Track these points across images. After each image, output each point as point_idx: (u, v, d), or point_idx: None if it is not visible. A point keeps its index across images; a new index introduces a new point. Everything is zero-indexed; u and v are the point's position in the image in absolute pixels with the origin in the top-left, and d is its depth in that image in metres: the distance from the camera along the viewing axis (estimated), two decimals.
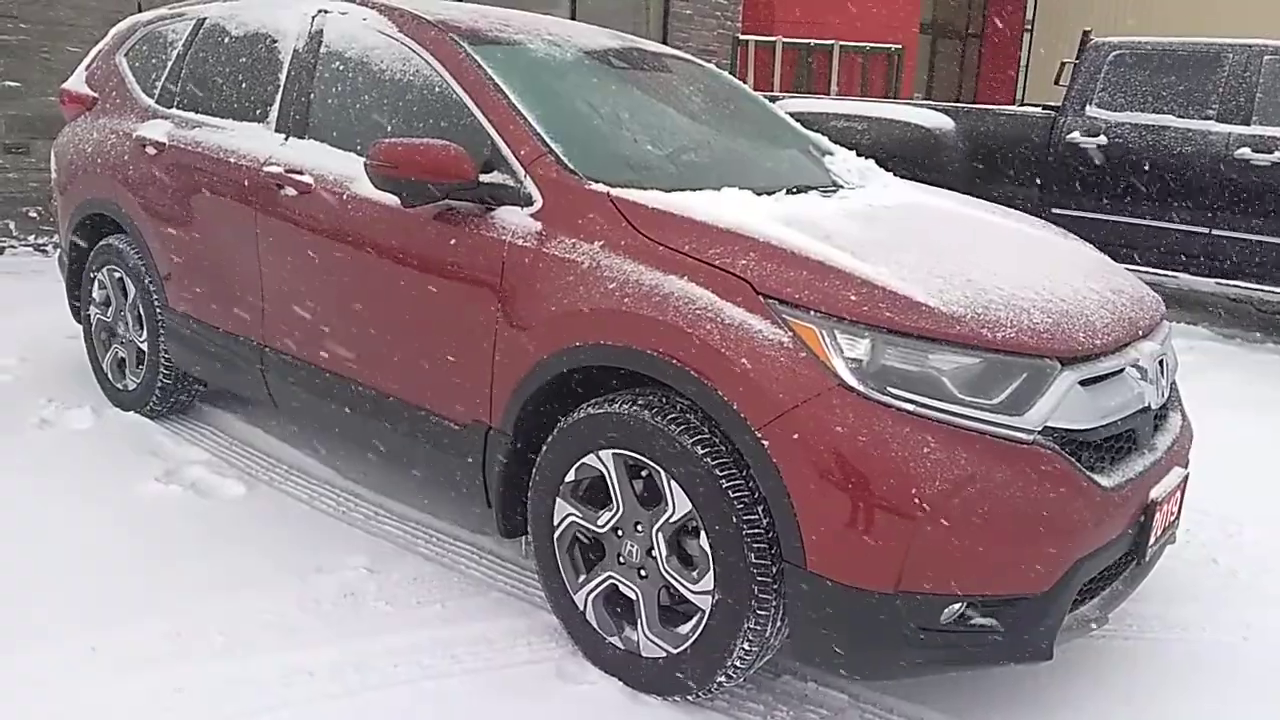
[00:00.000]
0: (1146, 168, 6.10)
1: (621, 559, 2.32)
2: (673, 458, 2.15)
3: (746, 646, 2.12)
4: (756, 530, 2.06)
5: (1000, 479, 1.96)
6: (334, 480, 3.36)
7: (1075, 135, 6.36)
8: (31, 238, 6.56)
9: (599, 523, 2.34)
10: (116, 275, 3.84)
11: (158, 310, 3.62)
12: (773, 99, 7.62)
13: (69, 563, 2.74)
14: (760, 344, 2.05)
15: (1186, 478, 2.46)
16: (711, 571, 2.13)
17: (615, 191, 2.41)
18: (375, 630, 2.50)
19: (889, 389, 1.99)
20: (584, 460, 2.33)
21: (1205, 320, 6.27)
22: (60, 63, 6.26)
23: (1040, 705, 2.35)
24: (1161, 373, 2.36)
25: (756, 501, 2.07)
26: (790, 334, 2.04)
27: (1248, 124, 5.83)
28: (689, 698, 2.26)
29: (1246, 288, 5.87)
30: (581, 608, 2.40)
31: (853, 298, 2.05)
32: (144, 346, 3.74)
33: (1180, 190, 6.00)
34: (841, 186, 3.02)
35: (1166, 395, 2.44)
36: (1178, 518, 2.48)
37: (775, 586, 2.07)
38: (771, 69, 11.38)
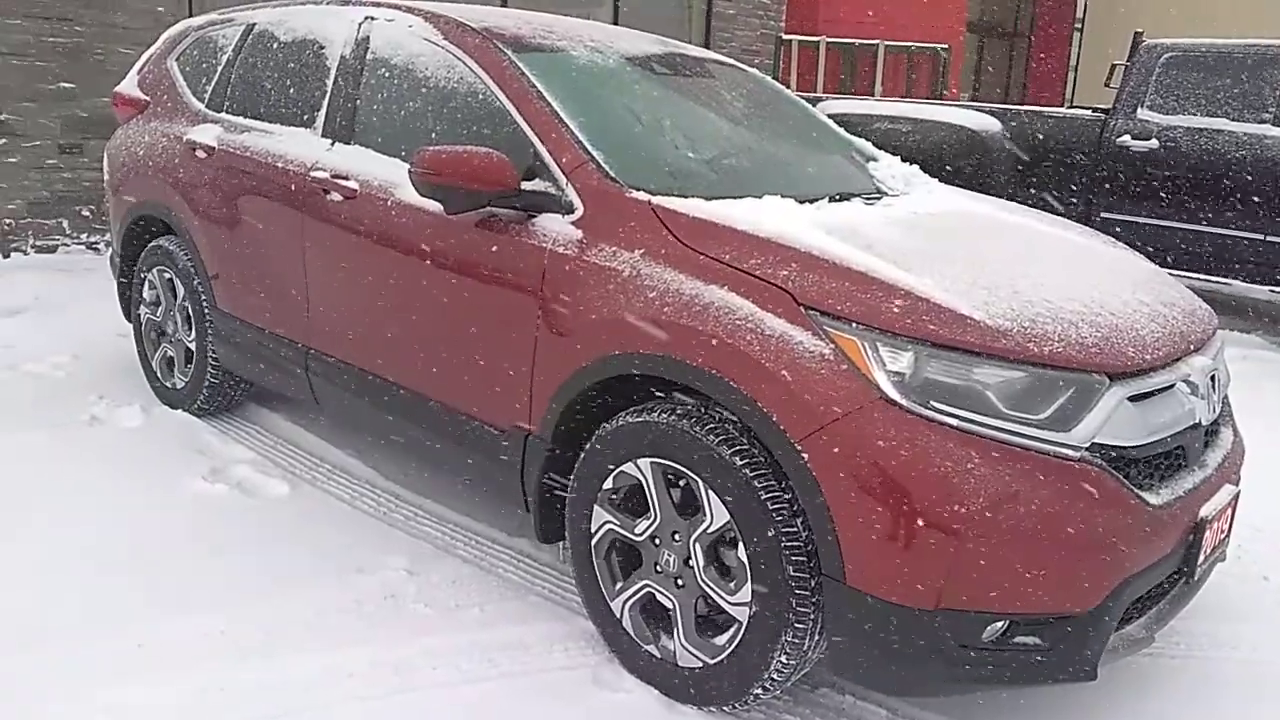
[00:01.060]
0: (1199, 172, 5.96)
1: (659, 568, 2.32)
2: (711, 468, 2.14)
3: (784, 659, 2.11)
4: (795, 543, 2.05)
5: (1045, 496, 1.93)
6: (375, 481, 3.40)
7: (1126, 138, 6.24)
8: (84, 236, 6.72)
9: (636, 531, 2.34)
10: (166, 276, 3.91)
11: (206, 311, 3.69)
12: (814, 100, 7.57)
13: (116, 559, 2.80)
14: (801, 355, 2.03)
15: (1238, 495, 2.41)
16: (749, 583, 2.13)
17: (656, 200, 2.40)
18: (414, 632, 2.52)
19: (932, 403, 1.96)
20: (622, 468, 2.33)
21: (1259, 329, 6.12)
22: (114, 64, 6.40)
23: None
24: (1213, 388, 2.31)
25: (795, 514, 2.06)
26: (832, 346, 2.03)
27: None
28: (725, 708, 2.25)
29: None
30: (618, 615, 2.40)
31: (896, 309, 2.03)
32: (192, 346, 3.81)
33: (1234, 195, 5.85)
34: (885, 193, 2.99)
35: (1218, 411, 2.38)
36: (1228, 535, 2.42)
37: (813, 600, 2.06)
38: (815, 69, 11.30)
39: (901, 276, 2.10)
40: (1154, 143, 6.14)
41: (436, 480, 3.31)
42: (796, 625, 2.07)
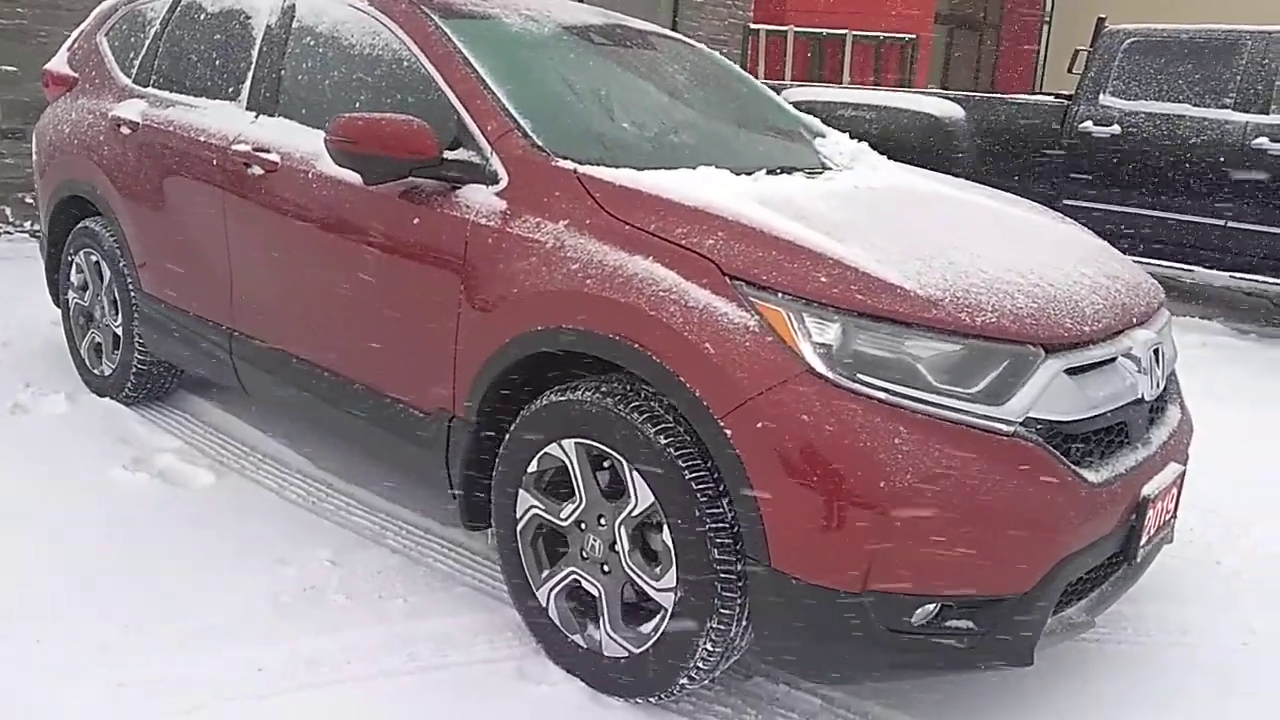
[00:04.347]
0: (1161, 158, 5.93)
1: (585, 554, 2.22)
2: (635, 447, 2.04)
3: (709, 648, 2.01)
4: (720, 525, 1.95)
5: (977, 472, 1.84)
6: (307, 469, 3.27)
7: (1088, 125, 6.20)
8: (28, 224, 6.52)
9: (562, 515, 2.23)
10: (93, 259, 3.76)
11: (132, 294, 3.55)
12: (780, 88, 7.49)
13: (25, 551, 2.66)
14: (725, 327, 1.94)
15: (1184, 474, 2.33)
16: (674, 568, 2.03)
17: (582, 169, 2.30)
18: (333, 626, 2.40)
19: (860, 376, 1.87)
20: (547, 450, 2.23)
21: (1220, 315, 6.09)
22: (57, 47, 6.20)
23: (1023, 712, 2.23)
24: (1157, 363, 2.23)
25: (721, 494, 1.96)
26: (757, 317, 1.93)
27: (1266, 112, 5.65)
28: (651, 700, 2.15)
29: (1262, 281, 5.69)
30: (544, 604, 2.30)
31: (823, 279, 1.93)
32: (119, 331, 3.66)
33: (1195, 181, 5.82)
34: (829, 169, 2.90)
35: (1163, 387, 2.30)
36: (1174, 516, 2.35)
37: (740, 585, 1.96)
38: (783, 59, 11.21)
39: (831, 246, 2.00)
40: (1116, 129, 6.10)
41: (368, 467, 3.19)
42: (722, 612, 1.98)
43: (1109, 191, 6.14)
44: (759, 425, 1.87)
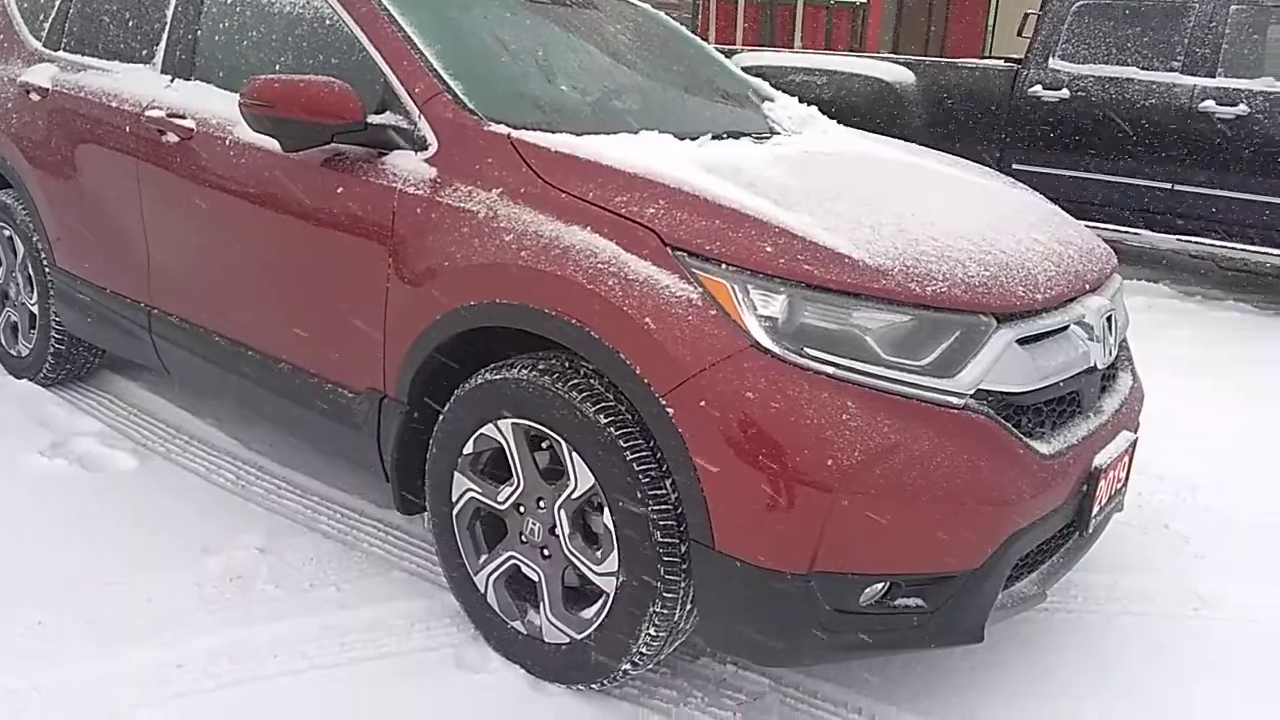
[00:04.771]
0: (1109, 122, 5.91)
1: (524, 538, 2.12)
2: (574, 427, 1.94)
3: (652, 632, 1.93)
4: (663, 506, 1.87)
5: (927, 447, 1.78)
6: (236, 452, 3.13)
7: (1037, 89, 6.16)
8: None
9: (499, 499, 2.14)
10: (6, 234, 3.55)
11: (47, 270, 3.35)
12: (730, 53, 7.36)
13: None
14: (667, 301, 1.84)
15: (1135, 442, 2.29)
16: (615, 551, 1.94)
17: (517, 134, 2.17)
18: (260, 617, 2.29)
19: (806, 350, 1.78)
20: (482, 431, 2.12)
21: (1167, 278, 6.14)
22: None
23: (974, 687, 2.19)
24: (1110, 330, 2.18)
25: (664, 475, 1.87)
26: (700, 290, 1.83)
27: (1213, 76, 5.65)
28: (593, 686, 2.07)
29: (1208, 244, 5.73)
30: (483, 590, 2.20)
31: (768, 249, 1.84)
32: (35, 310, 3.47)
33: (1143, 145, 5.82)
34: (778, 134, 2.80)
35: (1115, 354, 2.25)
36: (1125, 484, 2.32)
37: (683, 568, 1.88)
38: (734, 23, 11.06)
39: (777, 214, 1.91)
40: (1065, 92, 6.06)
41: (301, 449, 3.05)
42: (665, 595, 1.90)
43: (1057, 155, 6.11)
44: (701, 403, 1.78)
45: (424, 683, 2.10)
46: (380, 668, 2.14)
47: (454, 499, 2.21)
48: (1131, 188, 5.88)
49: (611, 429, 1.89)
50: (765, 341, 1.78)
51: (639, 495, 1.87)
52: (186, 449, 3.14)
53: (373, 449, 2.38)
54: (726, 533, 1.80)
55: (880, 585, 1.83)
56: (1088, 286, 2.13)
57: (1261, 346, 4.79)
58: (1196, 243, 5.76)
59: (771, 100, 3.14)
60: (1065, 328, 2.03)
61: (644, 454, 1.88)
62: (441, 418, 2.19)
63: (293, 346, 2.53)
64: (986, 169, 2.85)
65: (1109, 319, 2.17)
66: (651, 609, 1.91)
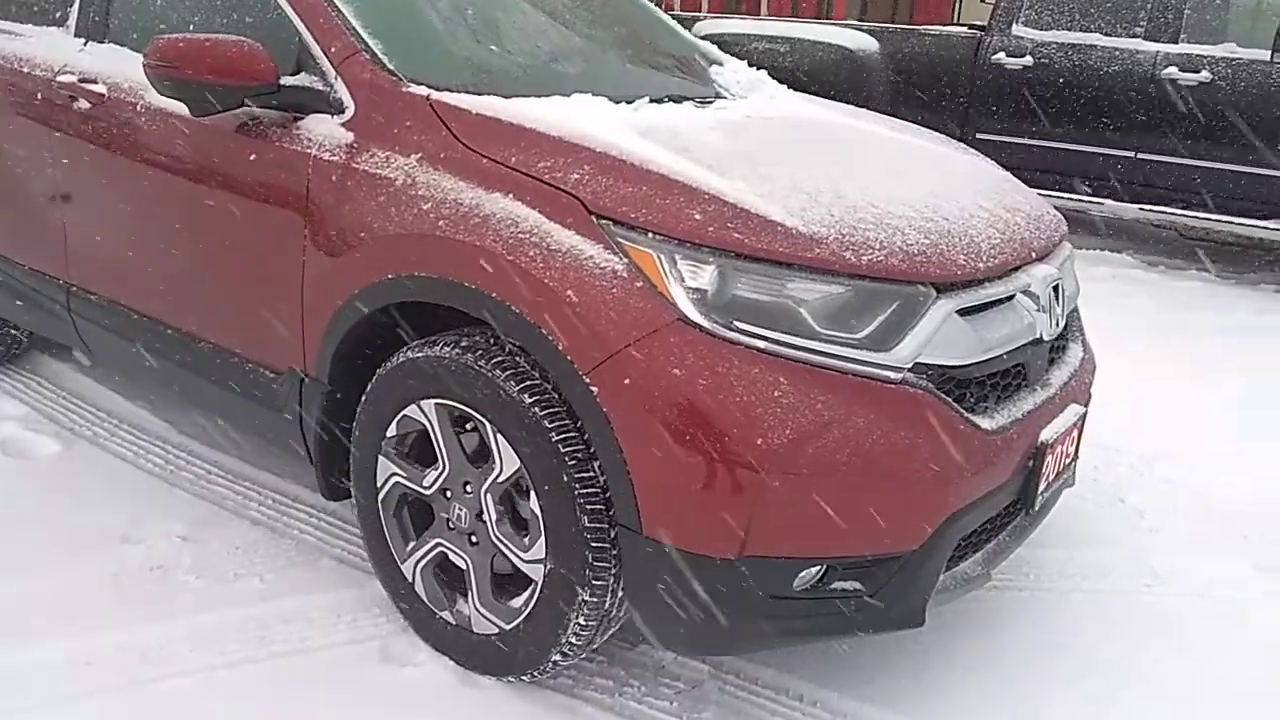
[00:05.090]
0: (1072, 89, 5.83)
1: (451, 524, 2.03)
2: (498, 408, 1.84)
3: (581, 622, 1.85)
4: (591, 490, 1.77)
5: (862, 424, 1.69)
6: (167, 436, 3.00)
7: (1000, 56, 6.06)
8: None
9: (425, 483, 2.04)
10: None
11: None
12: (692, 20, 7.21)
13: None
14: (590, 273, 1.73)
15: (1085, 415, 2.22)
16: (543, 538, 1.85)
17: (437, 96, 2.05)
18: (178, 610, 2.18)
19: (736, 323, 1.69)
20: (405, 412, 2.02)
21: (1130, 248, 6.09)
22: None
23: (924, 669, 2.13)
24: (1058, 300, 2.10)
25: (591, 457, 1.78)
26: (625, 260, 1.73)
27: (1175, 42, 5.58)
28: (524, 678, 1.99)
29: (1171, 214, 5.68)
30: (410, 579, 2.10)
31: (698, 217, 1.74)
32: None
33: (1105, 113, 5.74)
34: (724, 97, 2.69)
35: (1063, 325, 2.18)
36: (1075, 459, 2.25)
37: (612, 554, 1.79)
38: None
39: (709, 180, 1.81)
40: (1028, 60, 5.97)
41: (230, 433, 2.92)
42: (594, 583, 1.81)
43: (1021, 124, 6.03)
44: (625, 381, 1.68)
45: (348, 679, 2.00)
46: (301, 663, 2.04)
47: (379, 484, 2.11)
48: (1094, 156, 5.82)
49: (536, 409, 1.80)
50: (693, 315, 1.69)
51: (565, 479, 1.78)
52: (115, 433, 3.01)
53: (296, 432, 2.27)
54: (654, 517, 1.71)
55: (816, 569, 1.75)
56: (1034, 255, 2.05)
57: (1222, 317, 4.76)
58: (1159, 212, 5.71)
59: (720, 64, 3.02)
60: (1010, 297, 1.95)
61: (570, 435, 1.78)
62: (364, 399, 2.08)
63: (213, 325, 2.41)
64: (937, 134, 2.76)
65: (1056, 288, 2.09)
66: (580, 597, 1.82)
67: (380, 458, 2.09)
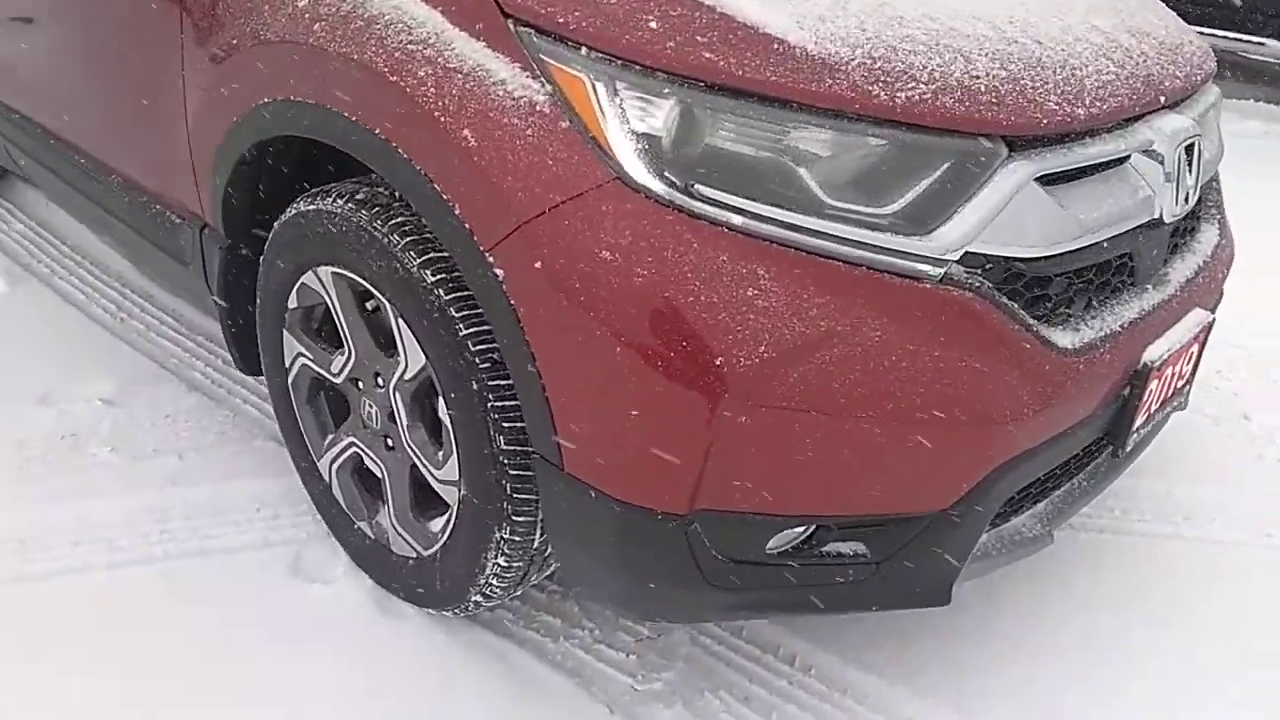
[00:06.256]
0: None
1: (365, 422, 1.63)
2: (397, 285, 1.40)
3: (502, 563, 1.45)
4: (506, 404, 1.33)
5: (877, 340, 1.18)
6: (127, 276, 2.66)
7: None
8: None
9: (333, 369, 1.63)
10: None
11: None
12: None
13: None
14: (498, 105, 1.22)
15: (1212, 324, 1.63)
16: (455, 455, 1.43)
17: None
18: (76, 491, 1.89)
19: (699, 188, 1.17)
20: (304, 280, 1.59)
21: None
22: None
23: (949, 634, 1.68)
24: (1190, 165, 1.48)
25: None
26: (549, 88, 1.21)
27: None
28: (446, 613, 1.62)
29: None
30: (327, 479, 1.74)
31: (654, 25, 1.19)
32: None
33: None
34: None
35: (1196, 199, 1.56)
36: (1191, 380, 1.68)
37: (533, 488, 1.37)
38: None
39: None
40: None
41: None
42: (515, 519, 1.40)
43: None
44: (538, 264, 1.20)
45: (246, 592, 1.68)
46: (195, 570, 1.72)
47: (287, 364, 1.71)
48: None
49: (440, 290, 1.34)
50: (638, 173, 1.17)
51: (475, 386, 1.34)
52: (74, 272, 2.69)
53: (204, 290, 1.88)
54: (577, 450, 1.26)
55: (800, 528, 1.29)
56: (1164, 100, 1.42)
57: None
58: None
59: None
60: (1123, 160, 1.35)
61: (485, 330, 1.33)
62: (260, 260, 1.66)
63: (118, 153, 2.01)
64: None
65: (1190, 148, 1.47)
66: (498, 534, 1.41)
67: (285, 332, 1.68)
